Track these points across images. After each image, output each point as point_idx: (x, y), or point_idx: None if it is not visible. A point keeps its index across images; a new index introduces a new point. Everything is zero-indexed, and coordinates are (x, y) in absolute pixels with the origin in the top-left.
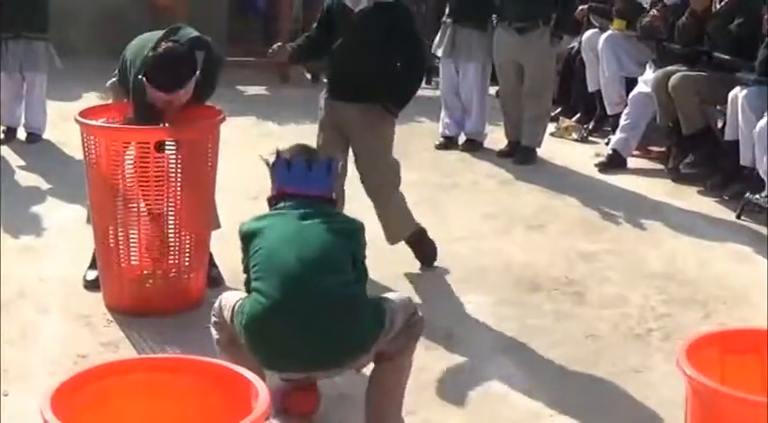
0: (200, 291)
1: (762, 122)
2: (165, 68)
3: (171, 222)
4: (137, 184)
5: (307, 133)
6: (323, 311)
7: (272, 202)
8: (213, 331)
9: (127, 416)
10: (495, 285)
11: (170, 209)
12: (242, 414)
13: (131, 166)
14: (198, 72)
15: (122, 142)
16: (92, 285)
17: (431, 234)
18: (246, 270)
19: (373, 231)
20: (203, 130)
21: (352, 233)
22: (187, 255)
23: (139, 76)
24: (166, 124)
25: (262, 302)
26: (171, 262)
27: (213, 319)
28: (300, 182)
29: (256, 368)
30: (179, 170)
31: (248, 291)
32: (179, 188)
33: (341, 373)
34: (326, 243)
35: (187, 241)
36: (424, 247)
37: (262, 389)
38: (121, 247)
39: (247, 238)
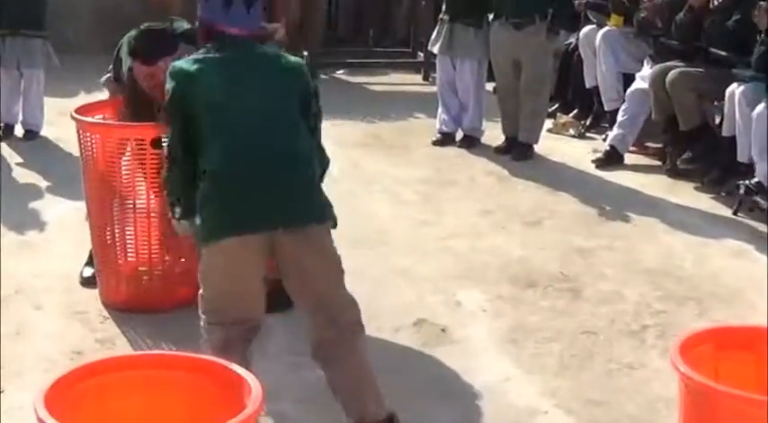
0: (195, 287)
1: (757, 110)
2: (145, 40)
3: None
4: (133, 181)
5: None
6: (280, 172)
7: (203, 40)
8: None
9: (122, 412)
10: (492, 281)
11: (163, 206)
12: (236, 410)
13: (128, 163)
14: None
15: (118, 139)
16: (88, 283)
17: (427, 230)
18: (183, 130)
19: (371, 227)
20: None
21: (299, 74)
22: (183, 251)
23: (129, 65)
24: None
25: (219, 170)
26: (167, 258)
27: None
28: (240, 20)
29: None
30: None
31: (184, 155)
32: None
33: (304, 234)
34: (275, 95)
35: (183, 238)
36: None
37: (255, 385)
38: (118, 243)
39: (184, 91)
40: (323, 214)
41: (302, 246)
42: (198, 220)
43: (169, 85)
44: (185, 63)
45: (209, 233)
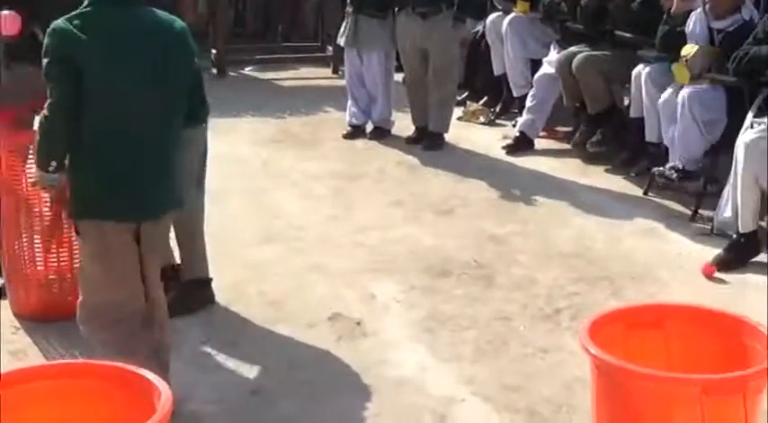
0: None
1: (665, 94)
2: None
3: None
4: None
5: (225, 127)
6: (150, 158)
7: None
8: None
9: None
10: (405, 272)
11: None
12: (146, 415)
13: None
14: None
15: (20, 146)
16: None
17: (340, 224)
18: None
19: (284, 223)
20: None
21: (183, 38)
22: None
23: None
24: None
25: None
26: (76, 265)
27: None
28: None
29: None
30: None
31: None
32: None
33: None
34: (156, 61)
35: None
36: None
37: (164, 390)
38: (26, 252)
39: (64, 51)
40: (179, 201)
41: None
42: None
43: (48, 43)
44: (64, 22)
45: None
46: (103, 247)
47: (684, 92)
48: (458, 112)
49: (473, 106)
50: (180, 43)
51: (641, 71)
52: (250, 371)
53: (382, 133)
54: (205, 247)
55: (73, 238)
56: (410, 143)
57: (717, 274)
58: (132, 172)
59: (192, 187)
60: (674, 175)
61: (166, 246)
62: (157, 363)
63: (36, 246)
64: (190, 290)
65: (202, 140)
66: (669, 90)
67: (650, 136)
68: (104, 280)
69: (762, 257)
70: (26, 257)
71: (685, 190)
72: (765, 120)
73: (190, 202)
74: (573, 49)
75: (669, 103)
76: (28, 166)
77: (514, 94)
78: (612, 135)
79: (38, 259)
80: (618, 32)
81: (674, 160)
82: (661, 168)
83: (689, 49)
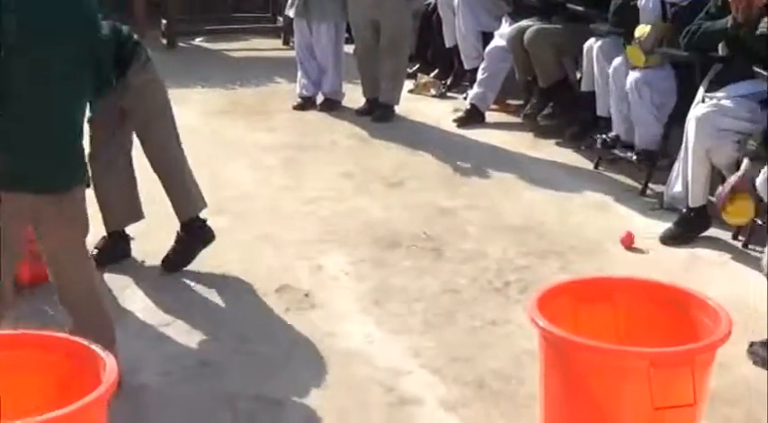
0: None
1: (614, 64)
2: None
3: None
4: None
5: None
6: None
7: None
8: None
9: None
10: (354, 244)
11: None
12: (92, 386)
13: None
14: None
15: None
16: None
17: (290, 195)
18: None
19: (234, 194)
20: None
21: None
22: None
23: None
24: None
25: None
26: None
27: None
28: None
29: None
30: None
31: None
32: None
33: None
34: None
35: None
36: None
37: (110, 361)
38: None
39: None
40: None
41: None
42: None
43: None
44: None
45: None
46: None
47: (633, 77)
48: (409, 84)
49: (424, 78)
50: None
51: (593, 45)
52: (199, 342)
53: (333, 105)
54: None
55: None
56: (361, 115)
57: (667, 249)
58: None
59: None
60: (634, 157)
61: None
62: None
63: None
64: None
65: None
66: (619, 59)
67: (601, 110)
68: None
69: (711, 232)
70: None
71: (636, 164)
72: (717, 94)
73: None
74: (524, 22)
75: (618, 72)
76: None
77: (466, 67)
78: (563, 109)
79: None
80: (570, 6)
81: (619, 128)
82: (608, 136)
83: (642, 30)
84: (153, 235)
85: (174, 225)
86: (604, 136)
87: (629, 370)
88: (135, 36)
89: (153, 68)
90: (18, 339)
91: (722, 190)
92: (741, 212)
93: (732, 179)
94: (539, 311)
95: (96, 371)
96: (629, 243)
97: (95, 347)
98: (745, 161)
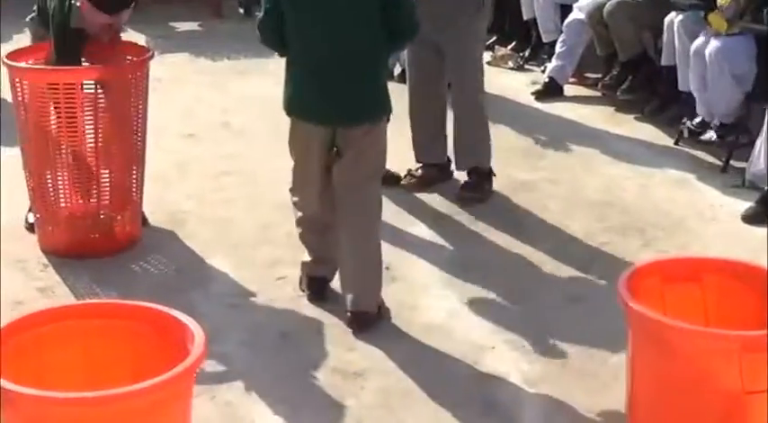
0: (131, 231)
1: (697, 42)
2: None
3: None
4: (64, 126)
5: (240, 67)
6: (347, 73)
7: None
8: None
9: (62, 362)
10: (435, 216)
11: (91, 149)
12: (179, 358)
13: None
14: None
15: (48, 83)
16: (33, 229)
17: None
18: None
19: None
20: (130, 69)
21: None
22: (108, 195)
23: (74, 1)
24: (87, 62)
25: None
26: (100, 202)
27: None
28: None
29: None
30: (103, 110)
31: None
32: (102, 129)
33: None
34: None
35: (109, 181)
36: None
37: (197, 332)
38: (51, 188)
39: None
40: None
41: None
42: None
43: None
44: None
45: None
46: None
47: (712, 46)
48: (486, 56)
49: (501, 51)
50: None
51: (674, 19)
52: (279, 314)
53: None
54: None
55: (101, 177)
56: None
57: (748, 227)
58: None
59: None
60: (714, 136)
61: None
62: None
63: (62, 183)
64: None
65: None
66: (701, 38)
67: (683, 85)
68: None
69: None
70: (51, 194)
71: (717, 141)
72: None
73: None
74: None
75: (699, 52)
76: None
77: (544, 40)
78: (643, 83)
79: (62, 196)
80: None
81: (701, 110)
82: (692, 123)
83: None
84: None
85: (253, 195)
86: (689, 123)
87: (719, 353)
88: None
89: None
90: (107, 308)
91: None
92: None
93: None
94: (627, 291)
95: (184, 341)
96: None
97: (183, 318)
98: None
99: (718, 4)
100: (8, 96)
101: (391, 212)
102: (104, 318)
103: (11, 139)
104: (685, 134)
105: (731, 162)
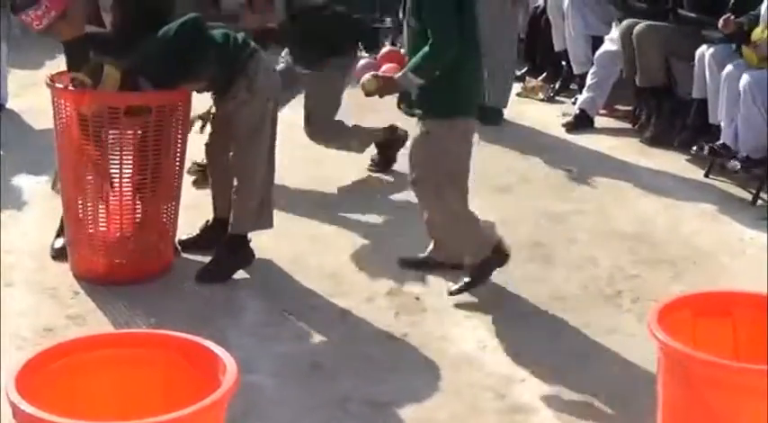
0: (164, 259)
1: (726, 70)
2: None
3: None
4: (104, 151)
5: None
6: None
7: None
8: None
9: (94, 391)
10: None
11: (137, 177)
12: (210, 388)
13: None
14: None
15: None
16: (59, 255)
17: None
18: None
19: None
20: (175, 97)
21: None
22: (144, 223)
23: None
24: None
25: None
26: (135, 229)
27: None
28: None
29: None
30: (147, 137)
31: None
32: (147, 156)
33: None
34: None
35: (147, 210)
36: None
37: (230, 363)
38: (90, 213)
39: None
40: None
41: None
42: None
43: None
44: None
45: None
46: None
47: (745, 79)
48: (517, 87)
49: (532, 82)
50: None
51: (705, 52)
52: (309, 344)
53: None
54: (262, 203)
55: (137, 205)
56: None
57: None
58: None
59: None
60: (738, 166)
61: None
62: None
63: (100, 208)
64: (232, 247)
65: None
66: (730, 67)
67: (713, 118)
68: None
69: None
70: (89, 219)
71: (744, 173)
72: None
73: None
74: (636, 19)
75: (731, 78)
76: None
77: (575, 71)
78: (672, 115)
79: (101, 222)
80: (681, 12)
81: (726, 139)
82: (716, 145)
83: (759, 34)
84: (263, 233)
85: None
86: (713, 144)
87: (749, 388)
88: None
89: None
90: (140, 338)
91: None
92: None
93: None
94: (658, 325)
95: (216, 372)
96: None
97: (215, 349)
98: None
99: (752, 40)
100: (38, 123)
101: (417, 248)
102: (136, 347)
103: (36, 167)
104: (705, 151)
105: (761, 194)
